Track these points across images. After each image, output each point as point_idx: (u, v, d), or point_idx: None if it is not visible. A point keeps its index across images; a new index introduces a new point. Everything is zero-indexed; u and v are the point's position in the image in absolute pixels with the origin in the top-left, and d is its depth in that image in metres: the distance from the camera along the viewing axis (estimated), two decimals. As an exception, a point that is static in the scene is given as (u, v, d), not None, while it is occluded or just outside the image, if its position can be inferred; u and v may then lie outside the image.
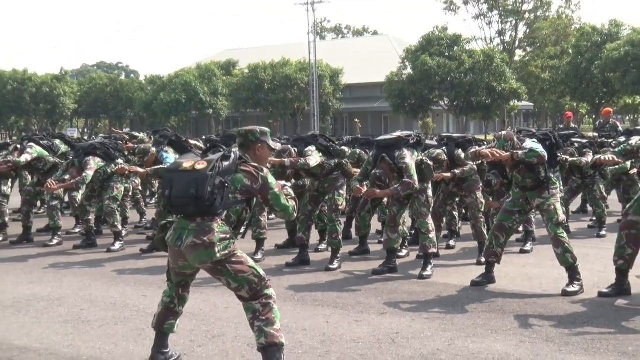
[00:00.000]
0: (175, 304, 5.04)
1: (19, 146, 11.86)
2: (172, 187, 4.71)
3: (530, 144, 7.06)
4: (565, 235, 7.20)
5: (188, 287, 5.11)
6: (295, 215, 5.26)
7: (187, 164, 4.76)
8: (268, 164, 5.01)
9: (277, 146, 5.60)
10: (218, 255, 4.62)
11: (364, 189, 7.80)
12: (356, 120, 50.52)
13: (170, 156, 9.80)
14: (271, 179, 4.93)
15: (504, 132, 7.69)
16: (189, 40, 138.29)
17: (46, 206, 11.53)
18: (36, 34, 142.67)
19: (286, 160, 8.41)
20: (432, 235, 8.04)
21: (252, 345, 5.50)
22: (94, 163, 10.14)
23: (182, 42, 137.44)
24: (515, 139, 7.29)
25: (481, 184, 8.92)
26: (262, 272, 4.78)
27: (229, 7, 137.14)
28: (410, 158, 7.78)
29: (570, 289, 7.03)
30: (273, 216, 13.05)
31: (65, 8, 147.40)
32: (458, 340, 5.66)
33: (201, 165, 4.66)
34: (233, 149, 4.89)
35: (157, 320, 5.04)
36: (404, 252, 9.15)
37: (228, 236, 4.71)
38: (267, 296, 4.72)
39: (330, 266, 8.51)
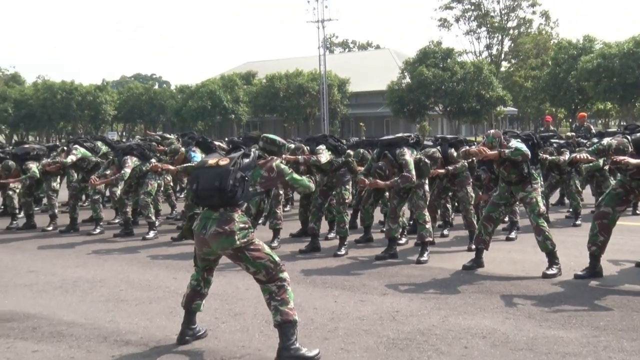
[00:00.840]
0: (202, 287, 5.05)
1: (65, 148, 11.89)
2: (198, 182, 4.70)
3: (515, 143, 7.09)
4: (545, 224, 7.18)
5: (212, 271, 5.11)
6: (313, 186, 5.38)
7: (212, 161, 4.76)
8: (282, 161, 5.01)
9: (291, 145, 5.68)
10: (238, 242, 4.61)
11: (367, 181, 7.84)
12: (361, 123, 50.50)
13: (198, 155, 9.86)
14: (284, 166, 5.01)
15: (492, 131, 7.71)
16: (213, 53, 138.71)
17: (89, 200, 11.60)
18: (81, 48, 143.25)
19: (300, 157, 8.43)
20: (429, 225, 8.04)
21: (269, 322, 5.50)
22: (131, 162, 10.20)
23: (208, 56, 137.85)
24: (502, 138, 7.30)
25: (471, 179, 8.96)
26: (277, 258, 4.76)
27: (250, 24, 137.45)
28: (409, 155, 7.82)
29: (550, 271, 7.03)
30: (288, 208, 13.09)
31: (104, 24, 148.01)
32: (451, 317, 5.65)
33: (224, 162, 4.67)
34: (253, 149, 4.91)
35: (186, 300, 5.06)
36: (403, 240, 9.15)
37: (247, 226, 4.70)
38: (281, 279, 4.71)
39: (338, 252, 8.52)
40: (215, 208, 4.68)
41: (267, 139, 5.10)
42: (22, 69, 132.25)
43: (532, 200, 7.22)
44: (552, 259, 7.13)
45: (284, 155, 5.19)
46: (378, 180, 7.79)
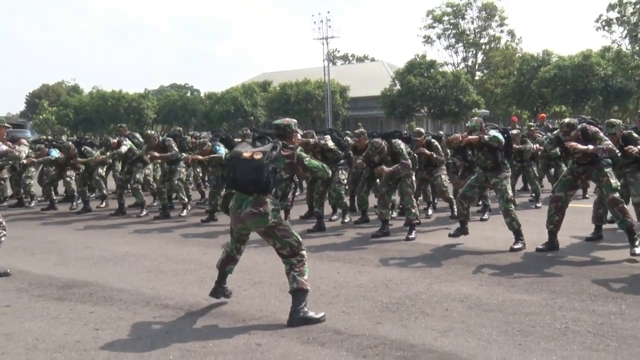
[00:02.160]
0: (234, 253, 5.05)
1: (115, 141, 11.78)
2: (235, 171, 4.65)
3: (493, 132, 7.21)
4: (512, 208, 7.17)
5: (245, 243, 5.08)
6: (330, 173, 5.23)
7: (246, 153, 4.63)
8: (301, 150, 4.92)
9: (301, 133, 5.68)
10: (270, 221, 4.61)
11: (364, 164, 8.11)
12: (359, 124, 50.18)
13: (221, 148, 9.94)
14: (301, 153, 4.91)
15: (476, 118, 7.71)
16: (236, 66, 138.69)
17: (131, 188, 11.54)
18: (127, 61, 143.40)
19: (310, 140, 8.59)
20: (415, 210, 8.05)
21: (283, 290, 5.50)
22: (175, 146, 10.53)
23: (231, 68, 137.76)
24: (482, 124, 7.43)
25: (444, 169, 9.13)
26: (299, 238, 4.78)
27: (265, 41, 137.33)
28: (404, 146, 8.00)
29: (516, 246, 7.03)
30: (298, 193, 13.04)
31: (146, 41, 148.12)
32: (434, 284, 5.63)
33: (258, 156, 4.56)
34: (279, 141, 4.85)
35: (221, 263, 5.08)
36: (394, 214, 9.28)
37: (277, 207, 4.69)
38: (301, 255, 4.73)
39: (344, 220, 8.83)
40: (250, 193, 4.64)
41: (275, 125, 4.98)
42: (80, 80, 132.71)
43: (502, 187, 7.20)
44: (518, 236, 7.12)
45: (297, 136, 5.08)
46: (384, 167, 7.82)
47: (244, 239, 5.05)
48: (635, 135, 7.26)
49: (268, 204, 4.62)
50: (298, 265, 4.71)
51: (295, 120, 5.16)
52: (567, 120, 6.76)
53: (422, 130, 9.27)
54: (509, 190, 7.25)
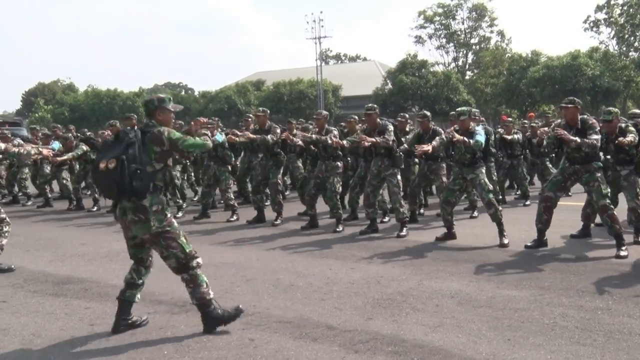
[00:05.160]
0: (135, 279, 4.51)
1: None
2: (99, 184, 4.37)
3: (479, 134, 7.26)
4: (494, 199, 7.29)
5: (144, 261, 4.54)
6: (210, 144, 4.47)
7: (102, 164, 4.06)
8: (171, 131, 4.18)
9: (180, 108, 4.58)
10: (154, 228, 4.16)
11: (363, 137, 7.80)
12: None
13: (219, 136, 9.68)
14: (173, 134, 4.19)
15: (464, 108, 7.81)
16: (229, 65, 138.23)
17: None
18: (122, 60, 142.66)
19: (313, 135, 8.47)
20: (403, 208, 8.05)
21: (276, 286, 5.52)
22: None
23: (225, 67, 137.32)
24: (472, 115, 7.59)
25: (445, 170, 8.96)
26: (190, 249, 4.31)
27: (258, 41, 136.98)
28: (391, 126, 7.97)
29: (504, 241, 7.15)
30: (288, 192, 12.91)
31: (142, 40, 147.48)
32: (425, 281, 5.65)
33: (112, 164, 3.99)
34: (137, 132, 4.13)
35: (120, 293, 4.53)
36: (386, 219, 9.14)
37: (161, 208, 4.20)
38: (192, 267, 4.28)
39: (337, 229, 8.47)
40: (127, 199, 4.13)
41: (143, 102, 4.33)
42: (76, 78, 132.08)
43: (480, 181, 7.32)
44: (501, 229, 7.22)
45: (168, 114, 4.34)
46: (366, 137, 7.71)
47: (141, 255, 4.44)
48: (631, 127, 7.08)
49: (147, 208, 4.11)
50: (190, 282, 4.25)
51: (166, 95, 4.45)
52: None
53: (427, 112, 9.04)
54: (487, 182, 7.38)
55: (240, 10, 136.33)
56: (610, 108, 7.40)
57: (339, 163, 8.67)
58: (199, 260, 4.34)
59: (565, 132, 6.42)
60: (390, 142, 7.80)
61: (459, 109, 7.74)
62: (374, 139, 7.70)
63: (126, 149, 4.01)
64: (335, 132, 8.49)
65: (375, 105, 8.29)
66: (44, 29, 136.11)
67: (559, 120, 7.12)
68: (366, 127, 8.22)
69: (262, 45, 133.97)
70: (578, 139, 6.40)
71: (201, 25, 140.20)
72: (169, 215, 4.26)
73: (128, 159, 3.98)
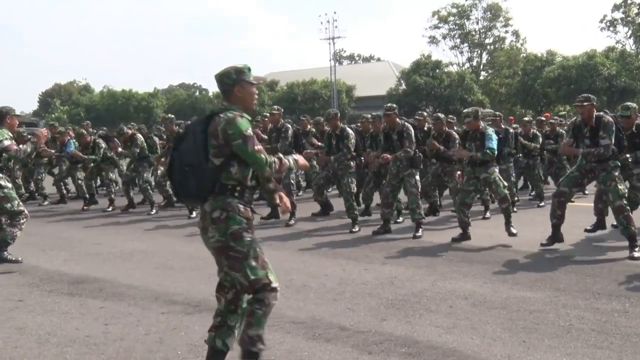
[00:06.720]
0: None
1: (130, 132, 11.69)
2: None
3: (489, 139, 7.34)
4: (508, 195, 7.52)
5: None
6: (269, 168, 3.41)
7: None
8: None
9: (263, 79, 4.10)
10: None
11: (377, 155, 8.02)
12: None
13: None
14: (234, 128, 3.26)
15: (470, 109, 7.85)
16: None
17: (139, 187, 11.62)
18: (138, 61, 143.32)
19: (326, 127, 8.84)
20: (420, 210, 8.02)
21: (289, 287, 5.50)
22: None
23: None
24: (480, 114, 7.67)
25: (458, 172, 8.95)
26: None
27: (272, 41, 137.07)
28: (412, 132, 7.96)
29: (512, 230, 7.43)
30: (301, 193, 12.94)
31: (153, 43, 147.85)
32: (439, 282, 5.61)
33: None
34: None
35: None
36: (400, 219, 9.11)
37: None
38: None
39: (353, 230, 8.47)
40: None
41: (216, 78, 3.47)
42: (92, 79, 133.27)
43: (494, 179, 7.46)
44: (509, 221, 7.49)
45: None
46: (387, 155, 7.82)
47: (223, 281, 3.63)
48: None
49: (207, 214, 3.36)
50: (249, 315, 3.35)
51: (244, 65, 3.52)
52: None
53: (441, 115, 9.13)
54: (500, 181, 7.50)
55: (250, 11, 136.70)
56: (629, 103, 7.44)
57: (351, 162, 8.72)
58: (273, 293, 3.32)
59: (570, 148, 6.69)
60: (412, 153, 7.87)
61: (466, 110, 7.77)
62: (395, 156, 7.81)
63: (179, 142, 3.38)
64: (291, 131, 8.99)
65: (395, 105, 8.23)
66: (59, 30, 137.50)
67: (576, 118, 7.09)
68: (384, 126, 8.21)
69: (274, 46, 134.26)
70: (581, 150, 6.54)
71: (216, 26, 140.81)
72: (238, 226, 3.29)
73: (180, 154, 3.31)
